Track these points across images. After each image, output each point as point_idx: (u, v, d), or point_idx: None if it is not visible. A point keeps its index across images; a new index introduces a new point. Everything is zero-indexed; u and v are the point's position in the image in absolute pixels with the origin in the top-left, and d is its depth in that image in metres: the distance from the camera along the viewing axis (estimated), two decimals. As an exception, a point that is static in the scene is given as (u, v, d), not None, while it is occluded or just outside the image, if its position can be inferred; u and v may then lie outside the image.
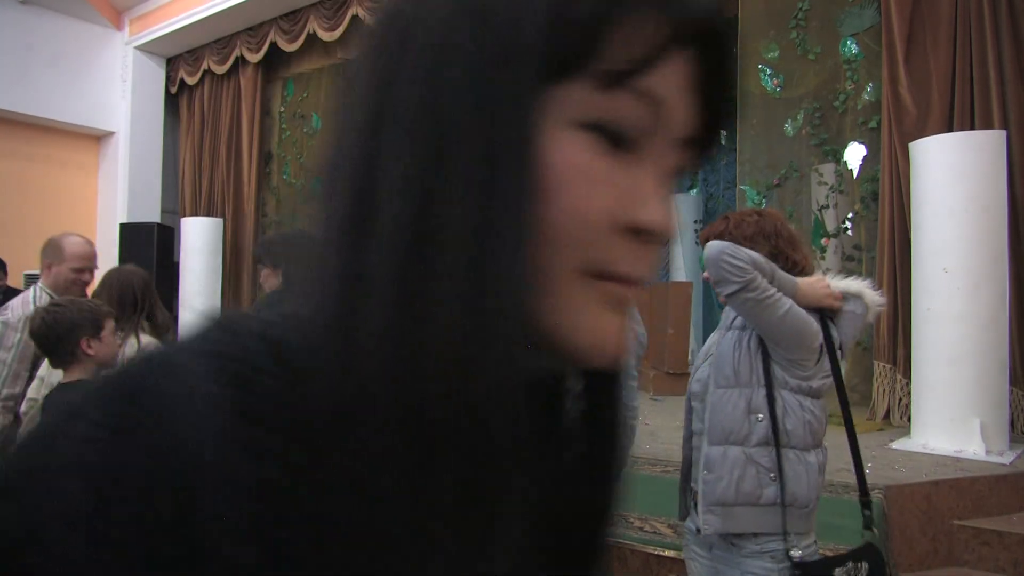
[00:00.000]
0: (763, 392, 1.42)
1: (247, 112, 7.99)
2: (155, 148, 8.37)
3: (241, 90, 8.03)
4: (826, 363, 1.45)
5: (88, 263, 2.57)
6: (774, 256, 1.47)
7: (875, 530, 1.47)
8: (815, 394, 1.46)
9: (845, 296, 1.44)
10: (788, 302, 1.37)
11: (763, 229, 1.49)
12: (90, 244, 2.62)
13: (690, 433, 1.62)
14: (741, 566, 1.44)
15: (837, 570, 1.40)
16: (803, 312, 1.39)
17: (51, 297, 2.51)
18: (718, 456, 1.44)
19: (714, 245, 1.34)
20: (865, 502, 1.50)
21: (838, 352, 1.47)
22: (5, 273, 4.15)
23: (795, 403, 1.44)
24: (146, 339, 2.20)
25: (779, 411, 1.42)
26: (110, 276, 2.34)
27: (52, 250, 2.54)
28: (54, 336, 1.81)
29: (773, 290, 1.35)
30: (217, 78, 8.17)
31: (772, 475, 1.40)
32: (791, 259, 1.49)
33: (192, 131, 8.41)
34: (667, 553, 2.16)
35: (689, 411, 1.63)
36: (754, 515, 1.40)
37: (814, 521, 1.48)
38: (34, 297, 2.54)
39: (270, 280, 2.18)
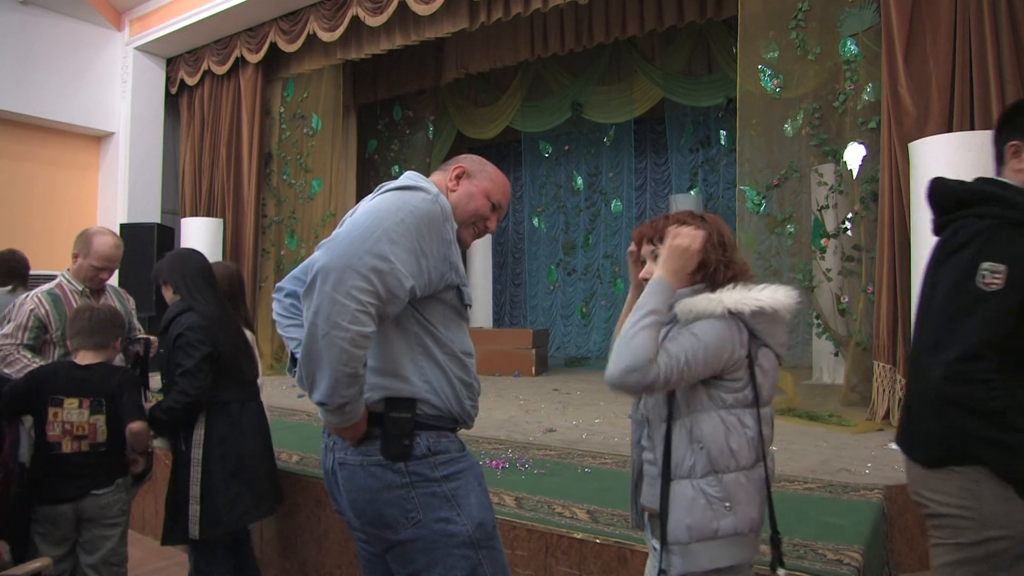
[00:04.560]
0: (702, 419, 1.35)
1: (247, 112, 7.99)
2: (155, 148, 8.37)
3: (241, 90, 8.03)
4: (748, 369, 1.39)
5: (109, 264, 2.74)
6: (705, 263, 1.42)
7: (782, 572, 1.36)
8: (750, 403, 1.38)
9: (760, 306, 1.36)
10: (698, 344, 1.31)
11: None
12: (117, 248, 2.75)
13: (638, 438, 1.53)
14: None
15: None
16: (713, 336, 1.32)
17: (71, 283, 2.64)
18: (669, 492, 1.37)
19: (613, 373, 1.28)
20: (776, 541, 1.38)
21: (774, 355, 1.41)
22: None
23: (735, 420, 1.35)
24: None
25: (723, 434, 1.34)
26: None
27: (83, 243, 2.69)
28: (111, 324, 2.32)
29: (680, 356, 1.29)
30: (217, 78, 8.18)
31: (727, 505, 1.31)
32: (722, 262, 1.43)
33: (192, 131, 8.41)
34: (667, 553, 2.16)
35: (635, 411, 1.55)
36: (714, 550, 1.32)
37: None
38: (59, 282, 2.75)
39: (167, 293, 2.43)
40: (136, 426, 2.19)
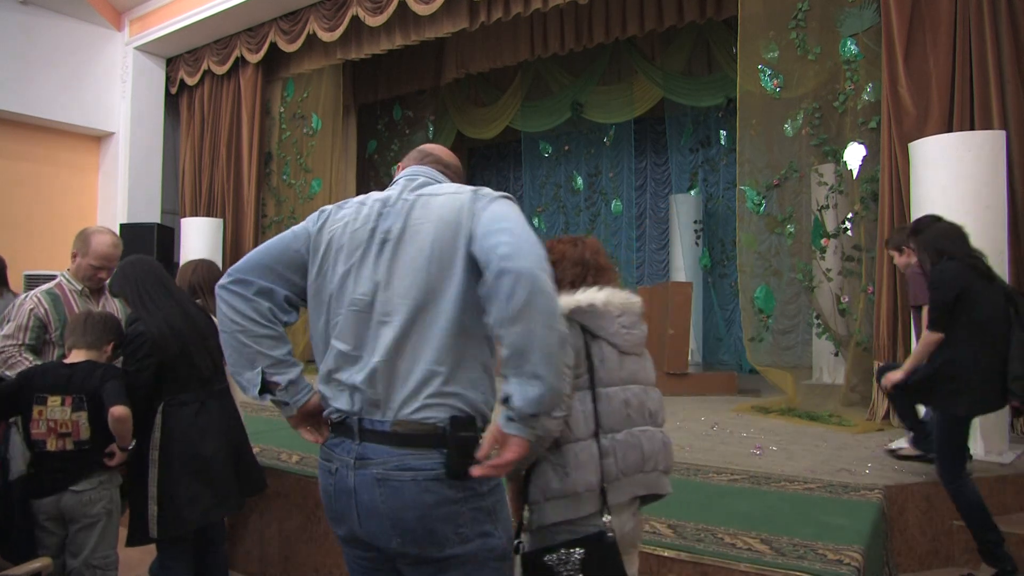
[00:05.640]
0: None
1: (247, 112, 7.99)
2: (155, 148, 8.37)
3: (241, 90, 8.03)
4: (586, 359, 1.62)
5: (107, 263, 2.74)
6: (560, 280, 1.65)
7: (608, 518, 1.55)
8: (587, 387, 1.60)
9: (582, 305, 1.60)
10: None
11: (568, 255, 1.69)
12: (115, 247, 2.75)
13: None
14: None
15: (547, 556, 1.52)
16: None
17: (70, 283, 2.70)
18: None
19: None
20: (602, 490, 1.56)
21: (609, 344, 1.63)
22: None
23: (575, 402, 1.58)
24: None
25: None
26: None
27: (81, 242, 2.70)
28: (104, 327, 2.36)
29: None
30: (217, 78, 8.18)
31: (566, 470, 1.56)
32: (578, 278, 1.68)
33: (192, 131, 8.41)
34: (667, 553, 2.16)
35: None
36: (558, 506, 1.55)
37: (617, 499, 1.59)
38: (59, 281, 2.74)
39: (127, 303, 2.45)
40: (118, 410, 2.18)
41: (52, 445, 2.18)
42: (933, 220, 2.98)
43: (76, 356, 2.29)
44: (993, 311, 2.70)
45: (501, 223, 1.30)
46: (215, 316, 2.74)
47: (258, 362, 1.39)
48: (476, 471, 1.28)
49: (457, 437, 1.29)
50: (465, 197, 1.37)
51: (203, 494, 2.34)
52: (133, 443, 2.31)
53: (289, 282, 1.44)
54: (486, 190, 1.39)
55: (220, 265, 7.65)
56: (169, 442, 2.31)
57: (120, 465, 2.34)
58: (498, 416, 1.27)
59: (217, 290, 1.42)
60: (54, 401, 2.19)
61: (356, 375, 1.33)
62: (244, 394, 1.44)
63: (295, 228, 1.48)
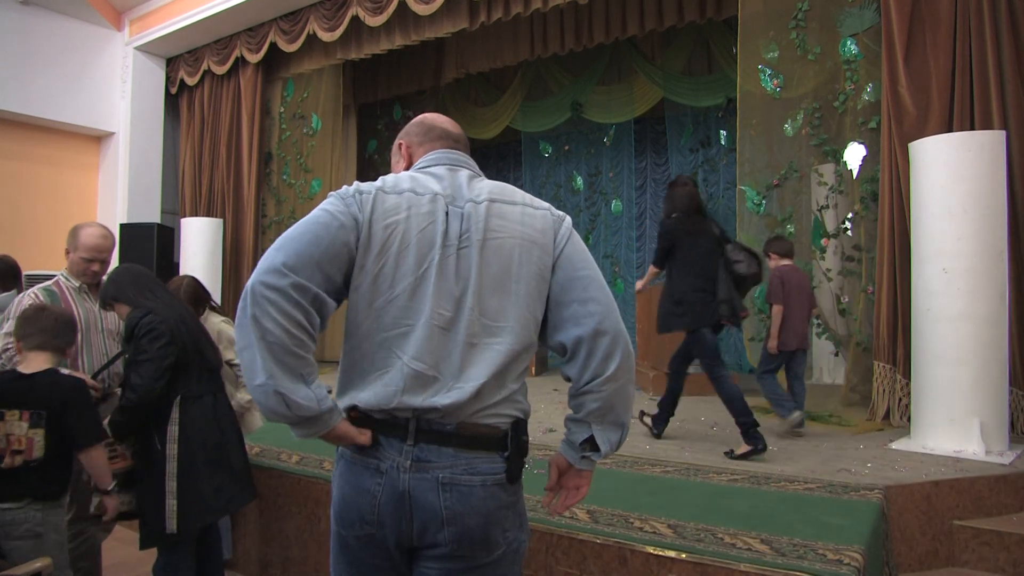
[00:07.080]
0: None
1: (247, 112, 7.99)
2: (155, 148, 8.38)
3: (241, 90, 8.03)
4: None
5: (97, 255, 2.72)
6: None
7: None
8: None
9: None
10: None
11: None
12: (104, 238, 2.74)
13: None
14: None
15: None
16: None
17: (68, 281, 2.72)
18: None
19: None
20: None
21: None
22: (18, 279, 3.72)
23: None
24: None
25: None
26: None
27: (72, 237, 2.73)
28: (72, 328, 2.24)
29: None
30: (217, 78, 8.18)
31: None
32: None
33: (192, 131, 8.41)
34: (667, 553, 2.16)
35: None
36: None
37: None
38: (57, 279, 2.74)
39: (122, 311, 2.41)
40: (91, 452, 2.05)
41: (6, 462, 1.98)
42: (682, 184, 3.76)
43: (39, 361, 2.09)
44: (704, 254, 3.58)
45: (587, 269, 1.33)
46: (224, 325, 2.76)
47: (307, 376, 1.18)
48: (558, 509, 1.42)
49: (520, 441, 1.30)
50: (546, 219, 1.35)
51: (228, 484, 2.38)
52: (114, 484, 2.20)
53: (331, 282, 1.21)
54: (558, 212, 1.39)
55: (220, 267, 7.68)
56: (189, 435, 2.30)
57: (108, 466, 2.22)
58: (562, 450, 1.39)
59: (266, 292, 1.13)
60: (12, 415, 2.00)
61: (437, 398, 1.22)
62: (294, 411, 1.16)
63: (333, 212, 1.22)
